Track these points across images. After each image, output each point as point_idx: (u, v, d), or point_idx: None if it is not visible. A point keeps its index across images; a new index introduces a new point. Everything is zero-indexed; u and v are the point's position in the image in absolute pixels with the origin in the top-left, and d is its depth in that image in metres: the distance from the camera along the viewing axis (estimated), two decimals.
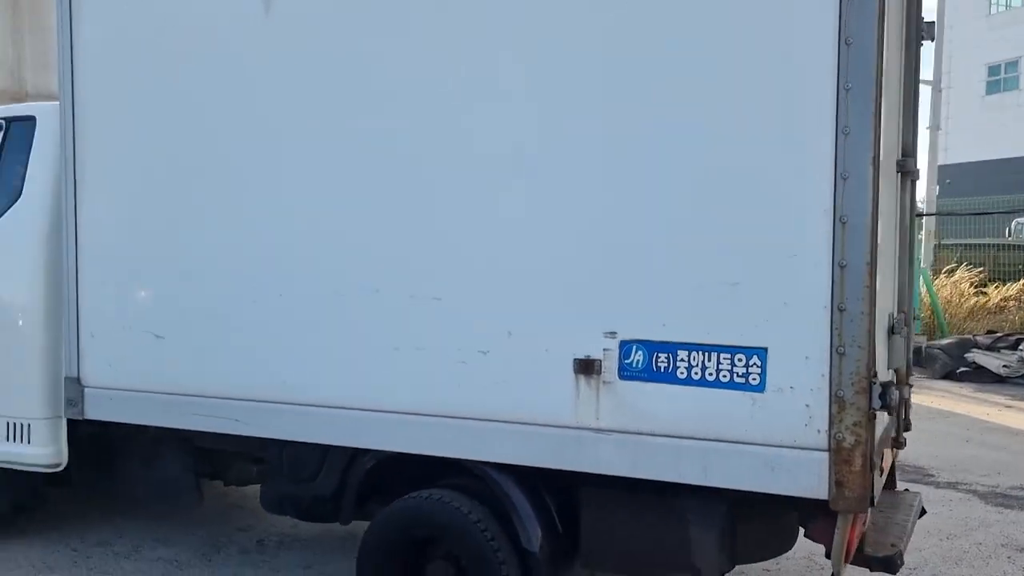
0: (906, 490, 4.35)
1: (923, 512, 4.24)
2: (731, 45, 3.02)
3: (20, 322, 4.54)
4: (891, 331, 3.37)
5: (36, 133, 4.59)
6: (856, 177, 2.85)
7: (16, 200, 4.58)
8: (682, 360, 3.12)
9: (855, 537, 3.04)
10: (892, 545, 3.56)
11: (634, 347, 3.19)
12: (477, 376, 3.42)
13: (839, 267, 2.88)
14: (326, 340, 3.71)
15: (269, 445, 4.00)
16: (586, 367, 3.24)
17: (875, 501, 2.95)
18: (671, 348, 3.13)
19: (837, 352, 2.89)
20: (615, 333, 3.21)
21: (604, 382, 3.23)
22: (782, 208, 2.97)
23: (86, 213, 4.27)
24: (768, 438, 3.00)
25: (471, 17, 3.41)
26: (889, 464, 3.51)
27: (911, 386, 3.92)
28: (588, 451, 3.26)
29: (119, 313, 4.22)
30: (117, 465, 4.66)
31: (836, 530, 2.97)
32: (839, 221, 2.87)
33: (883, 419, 3.26)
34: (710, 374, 3.08)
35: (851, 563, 3.49)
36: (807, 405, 2.95)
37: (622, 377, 3.20)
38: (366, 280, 3.62)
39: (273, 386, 3.82)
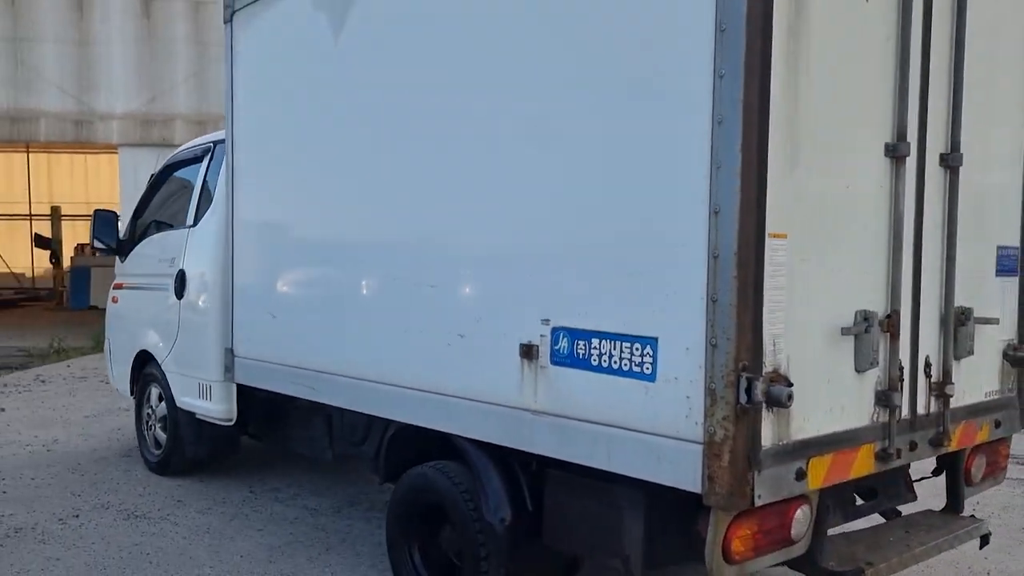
0: (971, 516, 3.84)
1: (986, 542, 3.74)
2: (612, 39, 3.09)
3: (204, 303, 5.74)
4: (866, 331, 3.13)
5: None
6: (727, 167, 2.78)
7: (210, 206, 5.80)
8: (595, 348, 3.22)
9: (736, 537, 2.91)
10: (868, 564, 3.29)
11: (561, 334, 3.35)
12: (457, 357, 3.78)
13: (713, 258, 2.82)
14: (362, 322, 4.30)
15: (342, 412, 4.68)
16: (527, 352, 3.45)
17: (756, 501, 2.82)
18: (587, 336, 3.25)
19: (710, 344, 2.83)
20: (548, 320, 3.40)
21: (540, 367, 3.42)
22: (664, 198, 2.97)
23: (237, 216, 5.31)
24: (657, 427, 3.01)
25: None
26: (854, 477, 3.18)
27: (947, 395, 3.50)
28: (528, 431, 3.47)
29: (252, 296, 5.20)
30: (281, 422, 5.66)
31: (708, 526, 2.89)
32: (712, 211, 2.82)
33: (808, 419, 3.02)
34: (615, 362, 3.15)
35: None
36: (688, 396, 2.91)
37: (552, 362, 3.38)
38: (391, 270, 4.14)
39: (334, 361, 4.49)
